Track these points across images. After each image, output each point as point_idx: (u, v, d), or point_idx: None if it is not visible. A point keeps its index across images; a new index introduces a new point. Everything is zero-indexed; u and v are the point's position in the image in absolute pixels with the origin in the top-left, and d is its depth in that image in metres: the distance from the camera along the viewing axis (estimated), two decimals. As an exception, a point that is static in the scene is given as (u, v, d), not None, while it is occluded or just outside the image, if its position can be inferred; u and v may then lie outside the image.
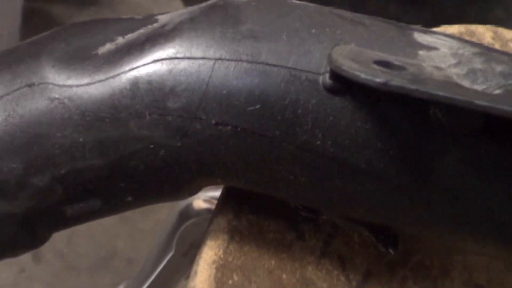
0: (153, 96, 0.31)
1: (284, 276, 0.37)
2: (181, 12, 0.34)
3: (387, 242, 0.36)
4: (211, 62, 0.31)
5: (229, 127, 0.31)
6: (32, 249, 0.38)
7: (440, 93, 0.25)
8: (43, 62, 0.33)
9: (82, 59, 0.32)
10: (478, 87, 0.28)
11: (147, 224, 1.53)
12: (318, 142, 0.30)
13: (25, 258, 1.45)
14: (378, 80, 0.25)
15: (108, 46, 0.33)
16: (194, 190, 0.35)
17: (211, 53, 0.31)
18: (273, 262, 0.37)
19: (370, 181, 0.30)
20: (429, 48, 0.31)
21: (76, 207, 0.34)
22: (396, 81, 0.25)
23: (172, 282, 0.69)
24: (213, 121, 0.31)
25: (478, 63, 0.29)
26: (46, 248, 1.43)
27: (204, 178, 0.34)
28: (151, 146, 0.31)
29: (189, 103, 0.31)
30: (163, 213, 1.52)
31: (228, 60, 0.31)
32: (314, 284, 0.37)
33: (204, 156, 0.32)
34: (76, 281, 1.46)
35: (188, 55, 0.31)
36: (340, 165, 0.30)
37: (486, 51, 0.31)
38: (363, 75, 0.26)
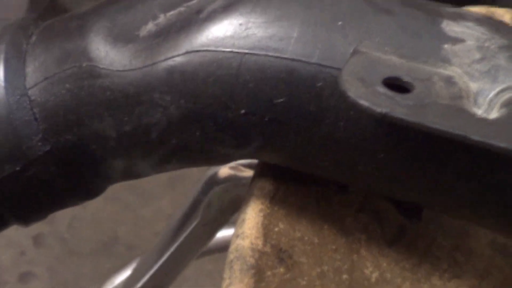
0: (186, 86, 0.33)
1: (325, 226, 0.39)
2: None
3: (410, 213, 0.38)
4: (240, 56, 0.32)
5: (256, 117, 0.33)
6: (82, 198, 0.40)
7: (437, 127, 0.26)
8: (90, 43, 0.35)
9: (125, 41, 0.35)
10: (493, 92, 0.29)
11: (149, 212, 1.55)
12: (340, 134, 0.32)
13: (26, 241, 1.46)
14: (378, 110, 0.27)
15: (150, 26, 0.35)
16: (230, 160, 0.39)
17: (240, 46, 0.33)
18: (315, 213, 0.39)
19: (389, 168, 0.32)
20: (456, 40, 0.31)
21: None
22: (397, 112, 0.27)
23: (193, 252, 0.71)
24: (242, 111, 0.33)
25: (502, 59, 0.30)
26: (47, 233, 1.44)
27: (239, 155, 0.37)
28: (187, 130, 0.34)
29: (219, 94, 0.33)
30: (165, 201, 1.54)
31: (255, 54, 0.32)
32: (353, 235, 0.39)
33: (235, 139, 0.34)
34: (77, 265, 1.47)
35: (218, 47, 0.33)
36: (361, 153, 0.32)
37: None
38: (366, 104, 0.27)
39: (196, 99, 0.33)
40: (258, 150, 0.35)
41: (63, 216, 1.52)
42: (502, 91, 0.30)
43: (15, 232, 1.43)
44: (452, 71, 0.30)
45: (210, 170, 0.63)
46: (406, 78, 0.29)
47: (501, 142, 0.25)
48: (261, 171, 0.40)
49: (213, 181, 0.62)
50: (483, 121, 0.28)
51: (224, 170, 0.60)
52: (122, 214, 1.55)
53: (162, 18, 0.35)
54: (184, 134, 0.35)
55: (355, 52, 0.30)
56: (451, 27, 0.32)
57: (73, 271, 1.47)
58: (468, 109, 0.28)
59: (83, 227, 1.53)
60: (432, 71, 0.30)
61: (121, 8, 0.36)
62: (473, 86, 0.30)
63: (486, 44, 0.31)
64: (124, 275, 0.95)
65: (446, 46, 0.31)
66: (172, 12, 0.35)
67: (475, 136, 0.26)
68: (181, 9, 0.35)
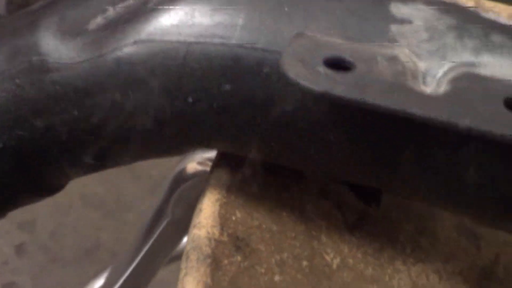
0: (134, 77, 0.33)
1: (284, 213, 0.38)
2: None
3: (369, 198, 0.37)
4: (186, 45, 0.32)
5: (205, 104, 0.32)
6: (40, 195, 0.40)
7: (376, 103, 0.26)
8: (40, 38, 0.35)
9: (74, 35, 0.34)
10: (441, 70, 0.29)
11: (131, 217, 1.54)
12: (289, 119, 0.31)
13: (8, 250, 1.44)
14: (317, 89, 0.26)
15: (99, 19, 0.34)
16: (183, 152, 0.38)
17: (186, 35, 0.32)
18: (273, 201, 0.38)
19: (340, 151, 0.32)
20: (403, 21, 0.31)
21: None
22: (336, 90, 0.26)
23: (166, 252, 0.70)
24: (190, 100, 0.32)
25: (450, 38, 0.30)
26: (29, 241, 1.42)
27: (192, 146, 0.36)
28: (137, 119, 0.34)
29: (167, 83, 0.32)
30: (146, 206, 1.53)
31: (201, 43, 0.32)
32: (313, 221, 0.38)
33: (186, 129, 0.34)
34: (61, 273, 1.45)
35: (164, 37, 0.32)
36: (311, 138, 0.32)
37: (462, 23, 0.31)
38: (305, 84, 0.26)
39: (144, 89, 0.33)
40: (208, 138, 0.34)
41: (45, 224, 1.51)
42: (451, 69, 0.29)
43: (-3, 242, 1.42)
44: (399, 51, 0.30)
45: (178, 167, 0.62)
46: (348, 58, 0.28)
47: (442, 115, 0.25)
48: (218, 161, 0.40)
49: (181, 177, 0.61)
50: (426, 96, 0.27)
51: (192, 166, 0.60)
52: (104, 220, 1.54)
53: (111, 11, 0.35)
54: (136, 125, 0.34)
55: (298, 35, 0.30)
56: (399, 9, 0.32)
57: (56, 279, 1.45)
58: (411, 86, 0.27)
59: (66, 235, 1.51)
60: (376, 51, 0.29)
61: (71, 3, 0.36)
62: (422, 65, 0.30)
63: (435, 24, 0.31)
64: (101, 281, 0.94)
65: (393, 27, 0.31)
66: (121, 5, 0.35)
67: (415, 110, 0.25)
68: (130, 1, 0.35)
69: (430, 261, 0.40)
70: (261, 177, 0.39)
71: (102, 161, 0.38)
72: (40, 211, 1.51)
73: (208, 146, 0.36)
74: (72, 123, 0.35)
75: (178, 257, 0.74)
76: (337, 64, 0.28)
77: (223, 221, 0.37)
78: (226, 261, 0.35)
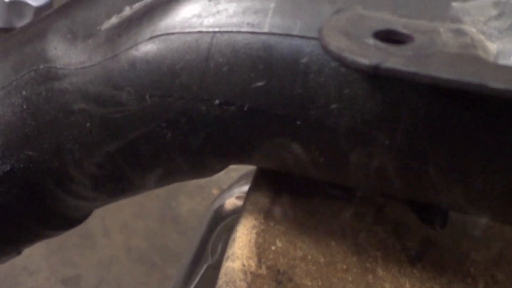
0: (151, 77, 0.28)
1: (333, 243, 0.33)
2: None
3: (433, 219, 0.31)
4: (210, 36, 0.27)
5: (234, 107, 0.27)
6: (54, 227, 0.35)
7: (443, 76, 0.20)
8: (47, 43, 0.31)
9: (85, 36, 0.30)
10: None
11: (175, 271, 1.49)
12: (334, 119, 0.26)
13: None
14: (366, 62, 0.21)
15: (113, 20, 0.30)
16: (216, 169, 0.32)
17: (209, 25, 0.27)
18: (320, 228, 0.33)
19: (394, 157, 0.26)
20: None
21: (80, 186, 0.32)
22: (390, 62, 0.21)
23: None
24: (217, 101, 0.27)
25: None
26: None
27: (219, 159, 0.31)
28: (157, 129, 0.29)
29: (189, 83, 0.27)
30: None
31: (227, 32, 0.27)
32: (367, 252, 0.33)
33: (213, 138, 0.29)
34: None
35: (184, 29, 0.28)
36: (360, 142, 0.26)
37: None
38: (350, 57, 0.21)
39: (163, 92, 0.28)
40: (241, 149, 0.29)
41: (89, 280, 1.47)
42: None
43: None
44: (470, 31, 0.25)
45: (215, 203, 0.57)
46: (403, 31, 0.23)
47: None
48: (255, 182, 0.34)
49: (219, 215, 0.56)
50: (505, 67, 0.21)
51: (230, 201, 0.54)
52: (149, 274, 1.49)
53: (127, 11, 0.31)
54: (155, 137, 0.29)
55: (340, 10, 0.25)
56: None
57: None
58: (484, 57, 0.22)
59: (111, 290, 1.47)
60: (437, 25, 0.24)
61: (84, 5, 0.32)
62: (492, 46, 0.24)
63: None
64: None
65: (455, 4, 0.26)
66: (138, 4, 0.31)
67: (495, 83, 0.19)
68: (148, 0, 0.31)
69: (509, 297, 0.33)
70: (306, 201, 0.34)
71: (124, 186, 0.33)
72: (84, 266, 1.47)
73: (241, 160, 0.31)
74: (83, 139, 0.30)
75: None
76: (390, 38, 0.23)
77: (260, 251, 0.31)
78: (265, 298, 0.30)
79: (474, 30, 0.25)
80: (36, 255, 1.41)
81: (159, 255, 1.52)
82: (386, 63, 0.20)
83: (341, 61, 0.21)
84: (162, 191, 1.52)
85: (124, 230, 1.53)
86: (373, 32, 0.23)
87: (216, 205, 0.57)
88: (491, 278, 0.34)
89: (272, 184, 0.34)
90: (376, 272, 0.32)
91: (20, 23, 0.52)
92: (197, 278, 0.61)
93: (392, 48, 0.21)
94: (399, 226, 0.34)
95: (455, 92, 0.21)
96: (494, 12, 0.25)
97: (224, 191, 0.55)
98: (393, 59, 0.21)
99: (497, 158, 0.24)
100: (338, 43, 0.21)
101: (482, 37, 0.25)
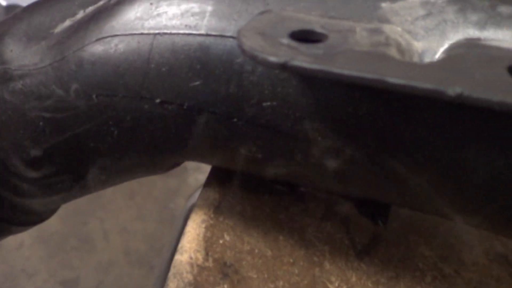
0: (97, 77, 0.29)
1: (281, 237, 0.33)
2: None
3: (374, 214, 0.32)
4: (150, 38, 0.28)
5: (174, 105, 0.28)
6: (14, 223, 0.36)
7: (345, 72, 0.21)
8: (4, 45, 0.32)
9: (39, 39, 0.31)
10: (441, 49, 0.25)
11: None
12: (268, 116, 0.27)
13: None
14: (275, 60, 0.22)
15: (67, 23, 0.32)
16: (167, 167, 0.33)
17: (150, 27, 0.29)
18: (268, 223, 0.34)
19: (326, 153, 0.27)
20: None
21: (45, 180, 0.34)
22: (298, 60, 0.22)
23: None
24: (158, 100, 0.29)
25: (451, 13, 0.26)
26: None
27: (165, 156, 0.32)
28: (104, 127, 0.30)
29: (132, 82, 0.29)
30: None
31: (167, 34, 0.28)
32: (314, 246, 0.34)
33: (157, 135, 0.30)
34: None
35: (127, 31, 0.29)
36: (294, 139, 0.27)
37: None
38: (260, 55, 0.22)
39: (108, 91, 0.29)
40: (183, 147, 0.30)
41: (88, 282, 1.49)
42: (452, 48, 0.25)
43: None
44: (391, 30, 0.25)
45: (191, 199, 0.58)
46: (319, 30, 0.24)
47: (426, 83, 0.20)
48: (208, 179, 0.35)
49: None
50: (409, 64, 0.22)
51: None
52: (147, 277, 1.50)
53: (80, 14, 0.32)
54: (103, 134, 0.30)
55: (264, 12, 0.26)
56: None
57: None
58: (391, 55, 0.23)
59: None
60: (358, 25, 0.25)
61: (40, 9, 0.33)
62: (418, 45, 0.25)
63: (432, 0, 0.27)
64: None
65: (384, 5, 0.27)
66: (91, 8, 0.32)
67: (394, 79, 0.20)
68: (100, 3, 0.32)
69: (455, 291, 0.34)
70: (255, 196, 0.35)
71: (80, 182, 0.34)
72: (83, 269, 1.48)
73: (186, 157, 0.32)
74: (36, 138, 0.31)
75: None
76: (307, 38, 0.24)
77: (208, 245, 0.32)
78: (210, 290, 0.31)
79: (399, 29, 0.26)
80: (35, 257, 1.42)
81: (158, 258, 1.52)
82: (294, 61, 0.21)
83: (254, 60, 0.22)
84: (160, 193, 1.54)
85: (123, 233, 1.54)
86: (289, 32, 0.24)
87: (192, 200, 0.58)
88: (439, 272, 0.35)
89: (223, 180, 0.35)
90: (323, 265, 0.33)
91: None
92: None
93: (303, 47, 0.22)
94: (347, 221, 0.35)
95: (374, 91, 0.22)
96: (422, 12, 0.26)
97: (200, 187, 0.56)
98: (301, 57, 0.21)
99: (408, 151, 0.25)
100: (251, 43, 0.22)
101: (407, 36, 0.26)
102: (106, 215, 1.53)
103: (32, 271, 1.42)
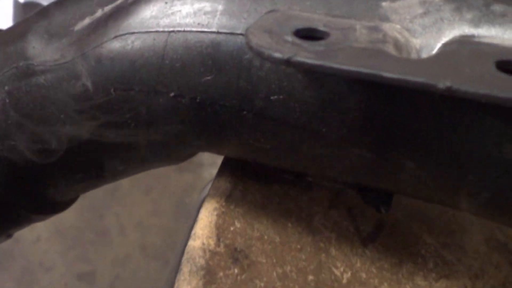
0: (115, 72, 0.31)
1: (289, 224, 0.35)
2: None
3: (378, 202, 0.34)
4: (165, 35, 0.30)
5: (188, 99, 0.30)
6: (42, 212, 0.38)
7: (344, 67, 0.23)
8: (27, 42, 0.34)
9: (60, 36, 0.33)
10: (438, 45, 0.26)
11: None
12: (275, 109, 0.29)
13: (69, 303, 1.44)
14: (279, 56, 0.24)
15: (86, 21, 0.33)
16: (182, 157, 0.35)
17: (164, 25, 0.31)
18: (277, 211, 0.36)
19: (331, 144, 0.29)
20: None
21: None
22: (301, 56, 0.24)
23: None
24: (172, 94, 0.30)
25: (447, 12, 0.27)
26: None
27: (180, 147, 0.34)
28: (121, 119, 0.32)
29: (148, 78, 0.31)
30: None
31: (180, 31, 0.30)
32: (321, 233, 0.35)
33: (172, 127, 0.32)
34: (118, 325, 1.44)
35: (143, 29, 0.31)
36: (300, 131, 0.29)
37: None
38: (266, 52, 0.24)
39: (125, 86, 0.31)
40: (197, 138, 0.32)
41: (104, 276, 1.51)
42: (447, 44, 0.26)
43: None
44: (390, 28, 0.27)
45: (204, 191, 0.59)
46: (321, 28, 0.26)
47: (418, 77, 0.22)
48: (220, 169, 0.37)
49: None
50: (404, 60, 0.24)
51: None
52: (163, 271, 1.52)
53: (99, 13, 0.34)
54: (120, 127, 0.32)
55: (271, 11, 0.28)
56: None
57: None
58: (388, 51, 0.24)
59: (125, 286, 1.50)
60: (356, 23, 0.27)
61: (61, 8, 0.35)
62: (416, 41, 0.27)
63: None
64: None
65: (384, 4, 0.28)
66: (109, 6, 0.34)
67: (389, 73, 0.22)
68: (118, 2, 0.34)
69: (456, 277, 0.36)
70: (265, 186, 0.36)
71: (99, 171, 0.36)
72: (100, 263, 1.51)
73: (200, 147, 0.34)
74: (61, 130, 0.33)
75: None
76: (311, 35, 0.25)
77: (220, 231, 0.34)
78: (221, 274, 0.33)
79: (398, 27, 0.27)
80: (52, 251, 1.44)
81: (173, 252, 1.54)
82: (297, 57, 0.23)
83: (260, 56, 0.24)
84: (176, 188, 1.55)
85: (139, 228, 1.56)
86: (294, 30, 0.25)
87: (205, 192, 0.59)
88: (440, 259, 0.36)
89: (235, 170, 0.36)
90: (329, 251, 0.35)
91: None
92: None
93: (306, 44, 0.24)
94: (353, 210, 0.37)
95: (373, 84, 0.24)
96: (420, 10, 0.28)
97: (211, 180, 0.58)
98: (304, 54, 0.23)
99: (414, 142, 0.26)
100: (258, 40, 0.24)
101: (406, 33, 0.27)
102: (122, 209, 1.55)
103: (49, 264, 1.45)
